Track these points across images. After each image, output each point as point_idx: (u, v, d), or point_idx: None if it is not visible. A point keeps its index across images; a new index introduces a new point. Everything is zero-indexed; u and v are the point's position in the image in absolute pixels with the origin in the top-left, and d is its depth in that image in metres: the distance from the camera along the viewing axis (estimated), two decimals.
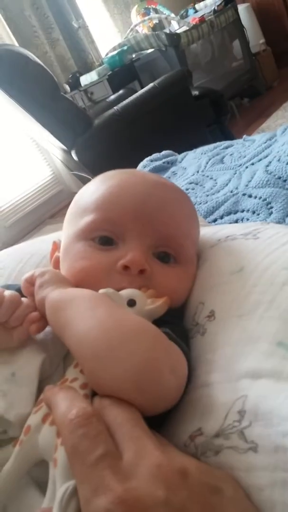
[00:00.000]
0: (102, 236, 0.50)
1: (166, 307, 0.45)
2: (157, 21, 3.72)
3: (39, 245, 0.74)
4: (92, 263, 0.48)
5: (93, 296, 0.43)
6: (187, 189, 0.97)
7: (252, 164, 0.93)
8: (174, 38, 3.01)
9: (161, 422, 0.40)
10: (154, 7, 3.73)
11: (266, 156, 0.91)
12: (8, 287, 0.50)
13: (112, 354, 0.36)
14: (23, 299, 0.46)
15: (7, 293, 0.45)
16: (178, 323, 0.49)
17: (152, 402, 0.36)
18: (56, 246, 0.57)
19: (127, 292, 0.45)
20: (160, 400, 0.37)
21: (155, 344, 0.38)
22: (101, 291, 0.44)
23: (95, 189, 0.55)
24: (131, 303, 0.44)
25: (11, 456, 0.36)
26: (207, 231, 0.62)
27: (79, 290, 0.44)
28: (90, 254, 0.49)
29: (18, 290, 0.49)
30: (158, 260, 0.50)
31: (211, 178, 0.98)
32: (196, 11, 3.83)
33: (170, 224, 0.52)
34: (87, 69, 3.41)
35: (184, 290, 0.52)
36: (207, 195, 0.91)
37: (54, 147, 2.51)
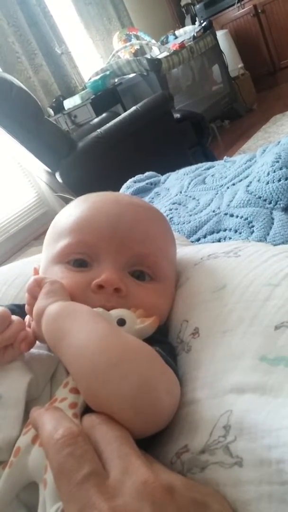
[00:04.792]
0: (77, 259, 0.51)
1: (155, 326, 0.45)
2: (139, 47, 3.81)
3: (23, 267, 0.74)
4: (68, 282, 0.49)
5: (93, 312, 0.43)
6: (170, 209, 0.99)
7: (233, 184, 0.95)
8: (155, 63, 3.08)
9: (149, 442, 0.40)
10: (135, 33, 3.82)
11: (247, 177, 0.94)
12: None
13: (111, 370, 0.36)
14: (13, 316, 0.46)
15: None
16: (166, 341, 0.49)
17: (146, 423, 0.36)
18: (36, 271, 0.58)
19: (116, 312, 0.45)
20: (154, 421, 0.37)
21: (153, 365, 0.39)
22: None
23: (69, 213, 0.56)
24: (121, 322, 0.44)
25: (0, 479, 0.36)
26: (190, 250, 0.63)
27: (80, 304, 0.44)
28: (66, 274, 0.50)
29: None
30: (134, 278, 0.51)
31: (194, 198, 1.00)
32: (176, 37, 3.93)
33: (143, 243, 0.53)
34: (70, 93, 3.46)
35: (164, 306, 0.53)
36: (190, 215, 0.92)
37: (38, 169, 2.52)
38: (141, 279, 0.52)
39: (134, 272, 0.51)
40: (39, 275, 0.50)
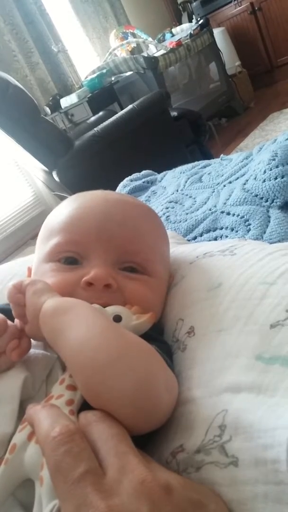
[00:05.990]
0: (67, 257, 0.51)
1: (151, 322, 0.45)
2: (135, 45, 3.79)
3: (19, 267, 0.74)
4: (58, 280, 0.49)
5: (91, 307, 0.43)
6: (167, 208, 0.98)
7: (230, 182, 0.95)
8: (152, 61, 3.07)
9: (145, 440, 0.39)
10: (132, 31, 3.81)
11: (243, 175, 0.93)
12: None
13: (111, 366, 0.36)
14: (9, 323, 0.46)
15: None
16: (161, 340, 0.49)
17: (145, 419, 0.36)
18: (30, 270, 0.58)
19: (112, 308, 0.45)
20: (153, 418, 0.37)
21: (152, 361, 0.38)
22: None
23: (59, 212, 0.57)
24: (117, 318, 0.44)
25: None
26: (186, 249, 0.63)
27: (77, 299, 0.44)
28: (56, 272, 0.50)
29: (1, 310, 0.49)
30: (126, 272, 0.51)
31: (190, 197, 0.99)
32: (173, 35, 3.92)
33: (133, 239, 0.53)
34: (67, 91, 3.45)
35: (156, 300, 0.53)
36: (187, 213, 0.92)
37: (35, 168, 2.51)
38: (133, 272, 0.52)
39: (125, 268, 0.51)
40: (16, 280, 0.49)
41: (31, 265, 0.58)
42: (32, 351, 0.46)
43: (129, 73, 3.25)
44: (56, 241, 0.52)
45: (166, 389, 0.38)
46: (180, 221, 0.90)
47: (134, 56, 3.19)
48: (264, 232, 0.75)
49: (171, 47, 3.34)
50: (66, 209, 0.56)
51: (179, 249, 0.64)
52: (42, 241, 0.56)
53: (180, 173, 1.16)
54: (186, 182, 1.07)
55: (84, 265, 0.50)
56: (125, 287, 0.49)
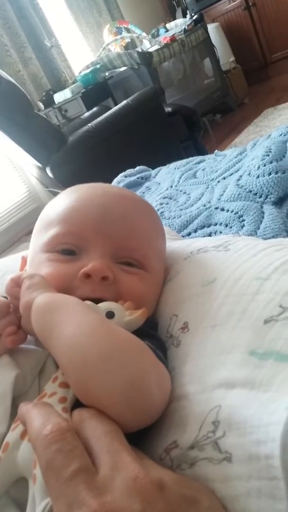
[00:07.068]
0: (65, 249, 0.51)
1: (144, 318, 0.45)
2: (129, 40, 3.78)
3: (12, 263, 0.73)
4: (55, 270, 0.49)
5: (83, 303, 0.43)
6: (161, 204, 0.98)
7: (224, 178, 0.94)
8: (146, 56, 3.06)
9: (138, 437, 0.39)
10: (125, 26, 3.79)
11: (237, 171, 0.93)
12: None
13: (102, 363, 0.36)
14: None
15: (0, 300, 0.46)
16: (155, 335, 0.49)
17: (137, 416, 0.36)
18: (24, 260, 0.58)
19: (105, 305, 0.45)
20: (144, 415, 0.37)
21: (144, 358, 0.38)
22: None
23: (58, 203, 0.56)
24: (110, 315, 0.44)
25: None
26: (180, 244, 0.63)
27: (69, 296, 0.44)
28: (54, 263, 0.50)
29: None
30: (123, 265, 0.51)
31: (184, 193, 0.99)
32: (167, 31, 3.91)
33: (130, 235, 0.53)
34: (61, 87, 3.43)
35: (151, 296, 0.53)
36: (181, 209, 0.92)
37: (29, 164, 2.50)
38: (130, 266, 0.52)
39: (122, 262, 0.51)
40: (15, 274, 0.49)
41: (25, 255, 0.58)
42: (24, 346, 0.46)
43: (123, 68, 3.24)
44: (54, 232, 0.52)
45: (158, 386, 0.38)
46: (175, 217, 0.90)
47: (128, 51, 3.19)
48: (258, 228, 0.75)
49: (165, 42, 3.33)
50: (65, 200, 0.56)
51: (173, 245, 0.64)
52: (40, 231, 0.56)
53: (175, 169, 1.16)
54: (180, 178, 1.07)
55: (82, 257, 0.50)
56: (121, 280, 0.49)
